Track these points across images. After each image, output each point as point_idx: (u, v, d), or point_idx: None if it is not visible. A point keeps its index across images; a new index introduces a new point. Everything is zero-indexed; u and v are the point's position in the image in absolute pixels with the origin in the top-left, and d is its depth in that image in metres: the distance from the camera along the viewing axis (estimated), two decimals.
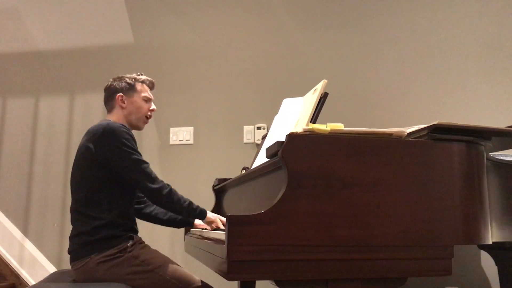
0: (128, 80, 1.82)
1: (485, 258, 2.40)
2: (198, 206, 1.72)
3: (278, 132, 1.78)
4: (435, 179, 1.17)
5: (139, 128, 1.86)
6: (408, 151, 1.17)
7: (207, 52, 2.90)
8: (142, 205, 1.96)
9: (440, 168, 1.18)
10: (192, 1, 2.96)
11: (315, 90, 1.61)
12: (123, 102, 1.80)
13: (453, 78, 2.62)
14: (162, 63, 2.94)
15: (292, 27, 2.83)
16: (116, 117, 1.80)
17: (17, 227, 2.89)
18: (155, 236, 2.66)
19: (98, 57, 3.00)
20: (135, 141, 1.67)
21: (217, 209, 2.22)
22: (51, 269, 2.78)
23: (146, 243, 1.73)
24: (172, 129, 2.87)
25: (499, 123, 2.38)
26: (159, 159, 2.85)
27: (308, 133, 1.14)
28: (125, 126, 1.68)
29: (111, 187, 1.64)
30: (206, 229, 1.87)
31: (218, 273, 1.21)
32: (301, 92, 1.91)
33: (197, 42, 2.92)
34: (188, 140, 2.84)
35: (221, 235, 1.35)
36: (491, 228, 1.29)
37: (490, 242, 1.25)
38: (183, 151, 2.84)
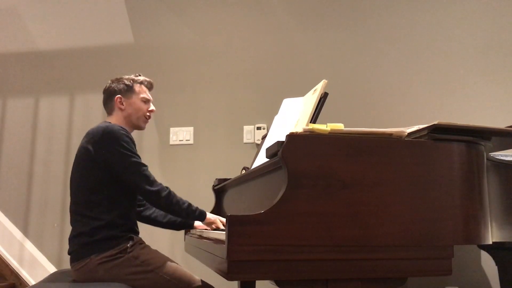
0: (126, 82, 1.82)
1: (485, 258, 2.40)
2: (197, 208, 1.72)
3: (278, 132, 1.78)
4: (435, 179, 1.17)
5: (140, 128, 1.86)
6: (408, 151, 1.17)
7: (207, 52, 2.90)
8: (142, 208, 1.96)
9: (440, 168, 1.18)
10: (192, 1, 2.96)
11: (315, 90, 1.61)
12: (122, 104, 1.80)
13: (453, 78, 2.62)
14: (162, 63, 2.94)
15: (292, 27, 2.83)
16: (115, 119, 1.80)
17: (17, 227, 2.89)
18: (155, 237, 2.66)
19: (98, 57, 3.01)
20: (134, 144, 1.68)
21: (217, 209, 2.22)
22: (51, 269, 2.78)
23: (146, 243, 1.73)
24: (172, 129, 2.87)
25: (499, 123, 2.38)
26: (159, 159, 2.85)
27: (308, 133, 1.14)
28: (125, 129, 1.68)
29: (111, 188, 1.65)
30: (206, 229, 1.87)
31: (218, 273, 1.21)
32: (301, 92, 1.91)
33: (197, 42, 2.92)
34: (188, 140, 2.84)
35: (221, 235, 1.35)
36: (491, 228, 1.29)
37: (490, 242, 1.25)
38: (183, 151, 2.84)
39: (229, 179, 2.09)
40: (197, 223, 1.98)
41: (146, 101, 1.85)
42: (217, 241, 1.34)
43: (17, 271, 2.80)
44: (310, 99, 1.61)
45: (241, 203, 1.78)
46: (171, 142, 2.86)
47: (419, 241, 1.14)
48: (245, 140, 2.77)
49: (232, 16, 2.91)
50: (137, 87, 1.83)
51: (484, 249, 1.90)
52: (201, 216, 1.73)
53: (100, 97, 1.88)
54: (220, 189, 2.20)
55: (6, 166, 2.97)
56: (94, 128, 1.69)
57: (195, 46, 2.92)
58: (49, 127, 2.98)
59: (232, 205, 1.98)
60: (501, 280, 1.79)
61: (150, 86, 1.90)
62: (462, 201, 1.18)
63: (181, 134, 2.85)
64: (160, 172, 2.80)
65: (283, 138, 1.14)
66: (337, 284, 1.14)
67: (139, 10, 3.00)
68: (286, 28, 2.84)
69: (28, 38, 3.09)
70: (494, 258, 1.83)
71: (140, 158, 1.66)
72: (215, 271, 1.25)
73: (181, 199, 1.67)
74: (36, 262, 2.81)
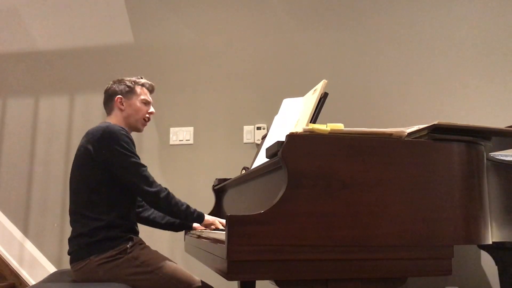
0: (127, 83, 1.83)
1: (485, 258, 2.40)
2: (195, 210, 1.72)
3: (278, 132, 1.77)
4: (435, 179, 1.17)
5: (138, 130, 1.86)
6: (408, 151, 1.17)
7: (207, 52, 2.90)
8: (141, 209, 1.96)
9: (440, 168, 1.18)
10: (192, 1, 2.96)
11: (315, 90, 1.61)
12: (122, 105, 1.80)
13: (453, 78, 2.62)
14: (162, 63, 2.94)
15: (292, 27, 2.83)
16: (115, 119, 1.80)
17: (17, 227, 2.89)
18: (155, 237, 2.66)
19: (98, 57, 3.01)
20: (134, 144, 1.68)
21: (217, 209, 2.22)
22: (51, 269, 2.78)
23: (146, 243, 1.73)
24: (172, 129, 2.87)
25: (499, 123, 2.38)
26: (159, 159, 2.85)
27: (308, 133, 1.14)
28: (124, 129, 1.68)
29: (110, 188, 1.65)
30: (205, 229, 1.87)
31: (218, 273, 1.21)
32: (301, 92, 1.91)
33: (197, 42, 2.92)
34: (188, 140, 2.84)
35: (221, 235, 1.35)
36: (491, 228, 1.29)
37: (490, 242, 1.25)
38: (183, 151, 2.84)
39: (229, 179, 2.09)
40: (195, 225, 1.98)
41: (146, 103, 1.85)
42: (217, 241, 1.34)
43: (17, 271, 2.80)
44: (310, 99, 1.61)
45: (241, 203, 1.78)
46: (171, 142, 2.86)
47: (419, 241, 1.14)
48: (245, 140, 2.77)
49: (232, 16, 2.91)
50: (138, 89, 1.84)
51: (484, 249, 1.90)
52: (199, 218, 1.73)
53: (100, 98, 1.88)
54: (220, 189, 2.20)
55: (6, 166, 2.97)
56: (94, 128, 1.69)
57: (195, 46, 2.92)
58: (49, 127, 2.98)
59: (232, 205, 1.98)
60: (501, 280, 1.79)
61: (151, 89, 1.90)
62: (462, 201, 1.18)
63: (181, 134, 2.85)
64: (160, 172, 2.80)
65: (283, 138, 1.14)
66: (337, 284, 1.14)
67: (139, 10, 3.00)
68: (286, 28, 2.84)
69: (28, 38, 3.09)
70: (494, 258, 1.83)
71: (139, 158, 1.66)
72: (215, 271, 1.25)
73: (179, 200, 1.67)
74: (36, 262, 2.81)
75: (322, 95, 1.57)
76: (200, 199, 1.80)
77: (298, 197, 1.09)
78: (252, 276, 1.08)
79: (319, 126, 1.15)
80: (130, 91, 1.82)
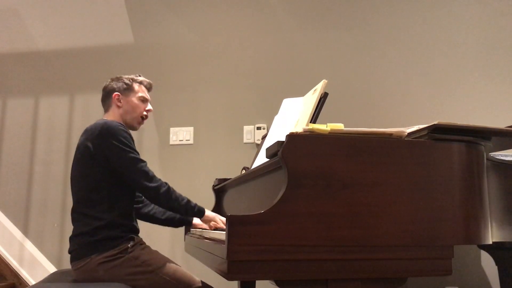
0: (125, 81, 1.83)
1: (485, 258, 2.41)
2: (196, 204, 1.72)
3: (278, 132, 1.78)
4: (435, 179, 1.17)
5: (133, 128, 1.86)
6: (408, 151, 1.17)
7: (207, 52, 2.90)
8: (140, 205, 1.96)
9: (440, 168, 1.18)
10: (192, 1, 2.96)
11: (315, 90, 1.61)
12: (119, 101, 1.81)
13: (453, 78, 2.62)
14: (162, 63, 2.94)
15: (292, 27, 2.83)
16: (112, 116, 1.80)
17: (17, 227, 2.89)
18: (155, 237, 2.66)
19: (98, 57, 3.01)
20: (133, 140, 1.68)
21: (217, 209, 2.22)
22: (51, 269, 2.78)
23: (146, 243, 1.74)
24: (172, 129, 2.87)
25: (499, 123, 2.38)
26: (159, 159, 2.85)
27: (308, 133, 1.14)
28: (123, 125, 1.69)
29: (111, 186, 1.65)
30: (205, 228, 1.87)
31: (218, 273, 1.21)
32: (301, 92, 1.91)
33: (197, 42, 2.92)
34: (188, 140, 2.84)
35: (221, 235, 1.35)
36: (491, 228, 1.29)
37: (490, 242, 1.25)
38: (183, 151, 2.84)
39: (229, 179, 2.09)
40: (196, 221, 1.98)
41: (144, 100, 1.85)
42: (217, 241, 1.34)
43: (17, 271, 2.80)
44: (310, 99, 1.61)
45: (241, 203, 1.78)
46: (171, 142, 2.86)
47: (419, 241, 1.14)
48: (245, 140, 2.77)
49: (232, 16, 2.91)
50: (136, 86, 1.84)
51: (484, 249, 1.90)
52: (200, 213, 1.73)
53: (100, 97, 1.88)
54: (220, 189, 2.20)
55: (6, 166, 2.97)
56: (92, 125, 1.70)
57: (195, 46, 2.92)
58: (49, 127, 2.98)
59: (232, 205, 1.98)
60: (501, 280, 1.79)
61: (149, 87, 1.90)
62: (462, 201, 1.18)
63: (181, 134, 2.85)
64: (160, 172, 2.80)
65: (283, 138, 1.14)
66: (337, 284, 1.14)
67: (139, 10, 3.00)
68: (286, 28, 2.84)
69: (28, 38, 3.09)
70: (494, 258, 1.83)
71: (138, 154, 1.66)
72: (215, 271, 1.25)
73: (180, 195, 1.67)
74: (36, 262, 2.81)
75: (322, 95, 1.57)
76: (200, 199, 1.80)
77: (298, 197, 1.09)
78: (252, 276, 1.08)
79: (319, 126, 1.15)
80: (128, 89, 1.82)
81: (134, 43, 2.99)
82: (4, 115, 3.03)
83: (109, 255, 1.57)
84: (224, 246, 1.07)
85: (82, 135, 1.71)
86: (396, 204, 1.14)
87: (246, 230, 1.06)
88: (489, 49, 2.60)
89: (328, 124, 1.17)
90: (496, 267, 1.82)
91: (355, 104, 2.69)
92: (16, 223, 2.89)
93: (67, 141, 2.95)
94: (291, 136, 1.13)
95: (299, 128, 1.18)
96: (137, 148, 1.71)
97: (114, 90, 1.81)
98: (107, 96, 1.83)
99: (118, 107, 1.81)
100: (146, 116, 1.88)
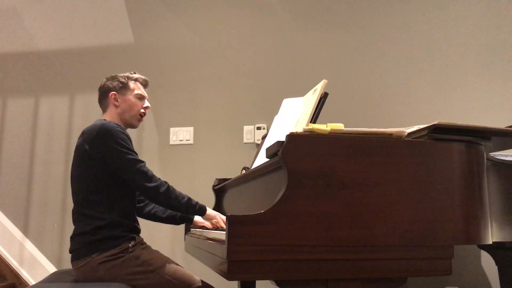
0: (121, 79, 1.82)
1: (485, 258, 2.41)
2: (197, 203, 1.72)
3: (278, 132, 1.78)
4: (435, 179, 1.17)
5: (133, 126, 1.86)
6: (408, 151, 1.17)
7: (207, 52, 2.90)
8: (142, 204, 1.96)
9: (440, 168, 1.18)
10: (192, 1, 2.96)
11: (315, 90, 1.61)
12: (117, 101, 1.80)
13: (453, 78, 2.62)
14: (162, 63, 2.94)
15: (292, 27, 2.83)
16: (110, 116, 1.80)
17: (17, 227, 2.89)
18: (155, 236, 2.66)
19: (98, 57, 3.01)
20: (130, 141, 1.67)
21: (217, 209, 2.22)
22: (51, 269, 2.78)
23: (147, 243, 1.74)
24: (172, 129, 2.87)
25: (499, 123, 2.38)
26: (159, 159, 2.85)
27: (308, 133, 1.14)
28: (120, 126, 1.68)
29: (111, 187, 1.65)
30: (206, 228, 1.87)
31: (218, 273, 1.21)
32: (301, 92, 1.91)
33: (197, 42, 2.92)
34: (188, 140, 2.84)
35: (221, 235, 1.35)
36: (491, 228, 1.29)
37: (490, 242, 1.25)
38: (183, 151, 2.84)
39: (229, 179, 2.09)
40: (197, 218, 1.98)
41: (141, 98, 1.85)
42: (217, 241, 1.34)
43: (17, 271, 2.80)
44: (310, 99, 1.61)
45: (241, 203, 1.78)
46: (171, 142, 2.86)
47: (419, 241, 1.14)
48: (245, 140, 2.77)
49: (232, 16, 2.91)
50: (131, 84, 1.83)
51: (484, 249, 1.90)
52: (201, 211, 1.73)
53: None
54: (220, 189, 2.20)
55: (6, 166, 2.97)
56: (89, 126, 1.69)
57: (195, 46, 2.92)
58: (49, 127, 2.98)
59: (232, 205, 1.98)
60: (501, 280, 1.79)
61: (145, 83, 1.89)
62: (462, 201, 1.18)
63: (181, 134, 2.85)
64: (160, 172, 2.80)
65: (283, 138, 1.14)
66: (337, 284, 1.14)
67: (139, 10, 3.00)
68: (286, 28, 2.84)
69: (28, 38, 3.09)
70: (494, 258, 1.83)
71: (137, 154, 1.66)
72: (215, 271, 1.25)
73: (180, 193, 1.67)
74: (36, 262, 2.81)
75: (322, 95, 1.57)
76: (200, 199, 1.80)
77: (298, 197, 1.09)
78: (252, 276, 1.08)
79: (319, 126, 1.15)
80: (123, 87, 1.81)
81: (134, 43, 2.99)
82: (4, 115, 3.03)
83: (110, 254, 1.57)
84: (224, 246, 1.07)
85: (80, 137, 1.71)
86: (396, 204, 1.14)
87: (246, 230, 1.06)
88: (489, 49, 2.60)
89: (328, 124, 1.17)
90: (496, 267, 1.82)
91: (355, 104, 2.69)
92: (16, 223, 2.89)
93: (67, 141, 2.95)
94: (291, 136, 1.13)
95: (299, 128, 1.19)
96: (137, 148, 1.71)
97: (110, 90, 1.81)
98: (103, 96, 1.83)
99: (116, 106, 1.80)
100: (144, 114, 1.87)
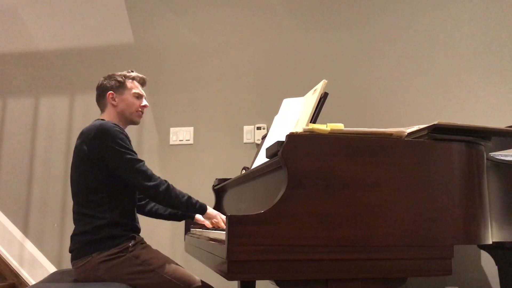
0: (118, 78, 1.82)
1: (485, 258, 2.41)
2: (197, 201, 1.72)
3: (278, 132, 1.78)
4: (435, 179, 1.17)
5: (135, 123, 1.85)
6: (408, 151, 1.17)
7: (207, 52, 2.90)
8: (143, 202, 1.97)
9: (440, 168, 1.18)
10: (192, 1, 2.96)
11: (315, 90, 1.61)
12: (114, 100, 1.80)
13: (453, 78, 2.62)
14: (162, 63, 2.94)
15: (292, 27, 2.83)
16: (108, 116, 1.80)
17: (17, 227, 2.89)
18: (155, 236, 2.66)
19: (98, 57, 3.01)
20: (129, 140, 1.67)
21: (217, 209, 2.21)
22: (51, 269, 2.78)
23: (146, 242, 1.74)
24: (172, 129, 2.87)
25: (499, 123, 2.38)
26: (159, 159, 2.85)
27: (308, 133, 1.14)
28: (118, 126, 1.68)
29: (110, 186, 1.65)
30: (206, 228, 1.87)
31: (218, 273, 1.21)
32: (301, 92, 1.91)
33: (197, 42, 2.92)
34: (188, 140, 2.84)
35: (221, 235, 1.35)
36: (491, 228, 1.29)
37: (490, 242, 1.25)
38: (183, 151, 2.84)
39: (229, 179, 2.09)
40: (198, 216, 1.99)
41: (139, 97, 1.84)
42: (217, 241, 1.34)
43: (17, 271, 2.80)
44: (310, 99, 1.61)
45: (241, 203, 1.78)
46: (171, 142, 2.86)
47: (419, 241, 1.14)
48: (245, 140, 2.77)
49: (232, 16, 2.91)
50: (129, 83, 1.83)
51: (484, 249, 1.90)
52: (202, 210, 1.73)
53: None
54: (220, 189, 2.20)
55: (6, 166, 2.97)
56: (87, 127, 1.69)
57: (195, 46, 2.92)
58: (49, 127, 2.98)
59: (232, 205, 1.98)
60: (501, 280, 1.79)
61: (142, 82, 1.89)
62: (462, 201, 1.18)
63: (181, 134, 2.85)
64: (160, 172, 2.80)
65: (283, 138, 1.14)
66: (337, 284, 1.14)
67: (139, 10, 3.00)
68: (286, 28, 2.84)
69: (28, 38, 3.09)
70: (494, 258, 1.83)
71: (136, 154, 1.66)
72: (215, 271, 1.25)
73: (180, 192, 1.67)
74: (36, 262, 2.81)
75: (322, 95, 1.57)
76: (200, 199, 1.80)
77: (298, 197, 1.09)
78: (252, 276, 1.08)
79: (319, 126, 1.15)
80: (121, 86, 1.81)
81: (134, 43, 2.99)
82: (4, 115, 3.03)
83: (109, 254, 1.57)
84: (224, 246, 1.07)
85: (78, 138, 1.71)
86: (396, 204, 1.14)
87: (246, 230, 1.06)
88: (489, 49, 2.60)
89: (328, 124, 1.17)
90: (496, 267, 1.82)
91: (355, 104, 2.69)
92: (16, 223, 2.89)
93: (67, 141, 2.95)
94: (291, 136, 1.13)
95: (299, 128, 1.19)
96: (137, 148, 1.71)
97: (107, 89, 1.80)
98: (101, 96, 1.82)
99: (114, 105, 1.80)
100: (142, 112, 1.87)
